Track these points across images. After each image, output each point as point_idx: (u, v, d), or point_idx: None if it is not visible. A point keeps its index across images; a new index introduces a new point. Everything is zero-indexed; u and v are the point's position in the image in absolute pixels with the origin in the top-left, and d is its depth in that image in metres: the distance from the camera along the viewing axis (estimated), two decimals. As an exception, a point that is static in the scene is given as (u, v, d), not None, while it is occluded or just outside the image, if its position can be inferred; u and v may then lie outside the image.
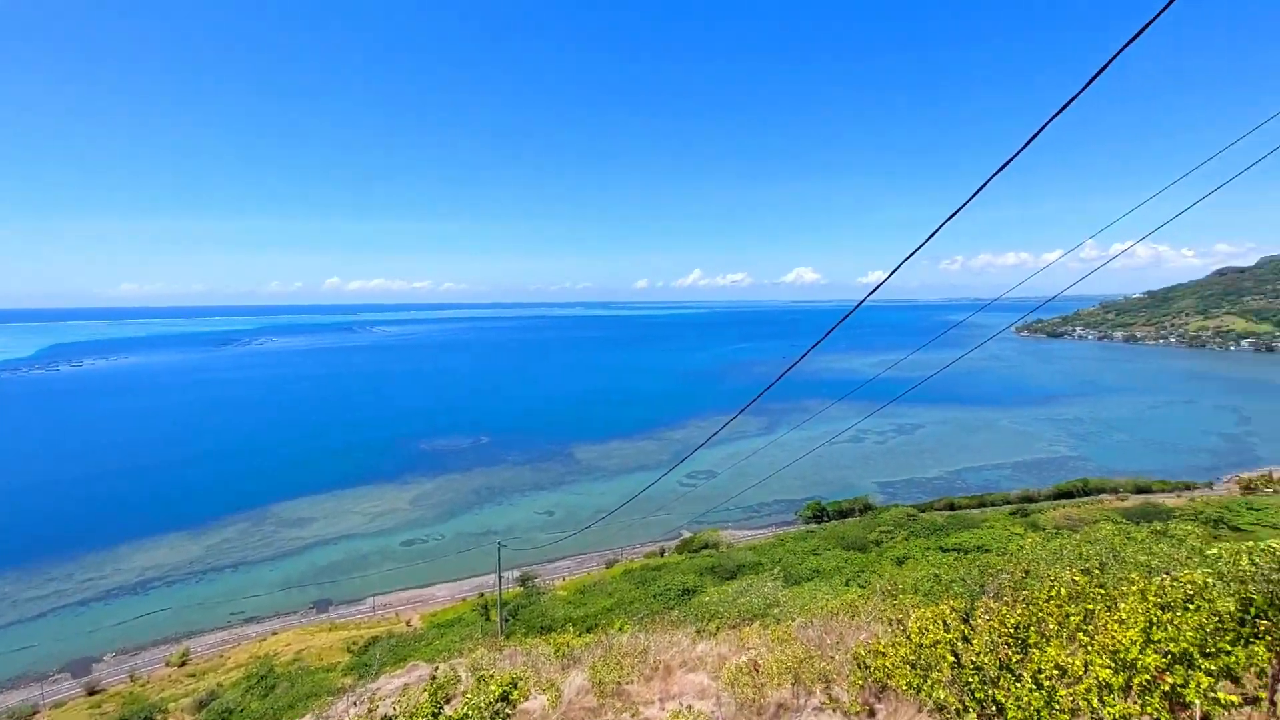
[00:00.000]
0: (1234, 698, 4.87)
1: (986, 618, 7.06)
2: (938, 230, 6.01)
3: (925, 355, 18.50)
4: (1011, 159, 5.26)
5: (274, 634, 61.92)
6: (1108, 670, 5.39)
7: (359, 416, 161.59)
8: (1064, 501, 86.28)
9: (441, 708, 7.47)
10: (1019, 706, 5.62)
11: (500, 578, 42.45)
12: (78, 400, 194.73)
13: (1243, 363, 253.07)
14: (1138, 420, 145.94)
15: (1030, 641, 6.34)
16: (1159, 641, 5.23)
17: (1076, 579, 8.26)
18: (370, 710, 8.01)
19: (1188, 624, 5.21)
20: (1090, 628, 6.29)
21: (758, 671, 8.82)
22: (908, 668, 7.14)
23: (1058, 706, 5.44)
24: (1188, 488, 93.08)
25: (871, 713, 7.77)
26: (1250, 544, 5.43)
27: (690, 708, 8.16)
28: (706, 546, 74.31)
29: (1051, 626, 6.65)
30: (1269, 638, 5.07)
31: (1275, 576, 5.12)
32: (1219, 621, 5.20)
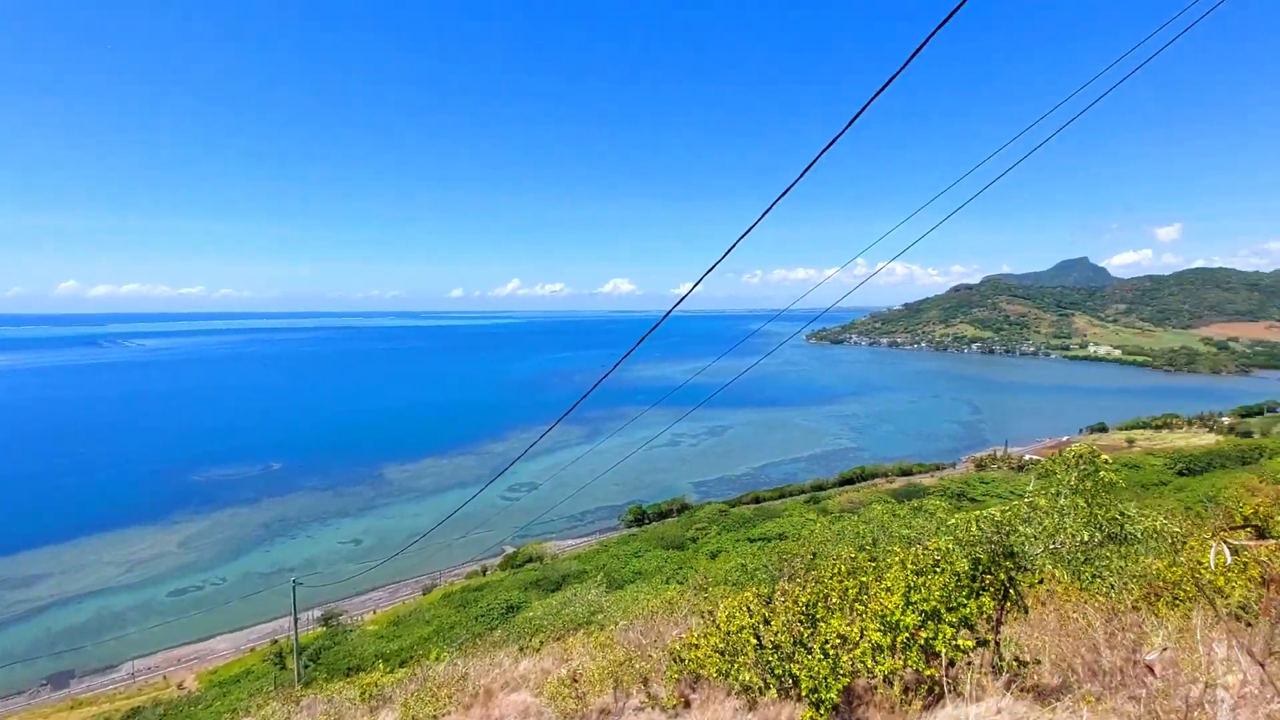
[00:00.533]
0: (969, 642, 5.83)
1: (783, 599, 7.73)
2: (732, 248, 6.53)
3: (729, 361, 19.99)
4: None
5: (-16, 727, 49.10)
6: (878, 633, 6.18)
7: (108, 450, 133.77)
8: (847, 487, 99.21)
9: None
10: (810, 675, 6.23)
11: (296, 619, 37.68)
12: None
13: (973, 363, 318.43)
14: (900, 414, 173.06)
15: (818, 616, 7.06)
16: (916, 603, 6.11)
17: (854, 555, 9.41)
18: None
19: (935, 585, 6.16)
20: (865, 597, 7.18)
21: (577, 682, 8.78)
22: (718, 656, 7.55)
23: (841, 671, 6.12)
24: (938, 468, 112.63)
25: (687, 704, 8.09)
26: (978, 513, 6.52)
27: (509, 731, 7.86)
28: (531, 560, 73.11)
29: (835, 600, 7.47)
30: (993, 590, 6.15)
31: (995, 538, 6.20)
32: (958, 580, 6.20)
